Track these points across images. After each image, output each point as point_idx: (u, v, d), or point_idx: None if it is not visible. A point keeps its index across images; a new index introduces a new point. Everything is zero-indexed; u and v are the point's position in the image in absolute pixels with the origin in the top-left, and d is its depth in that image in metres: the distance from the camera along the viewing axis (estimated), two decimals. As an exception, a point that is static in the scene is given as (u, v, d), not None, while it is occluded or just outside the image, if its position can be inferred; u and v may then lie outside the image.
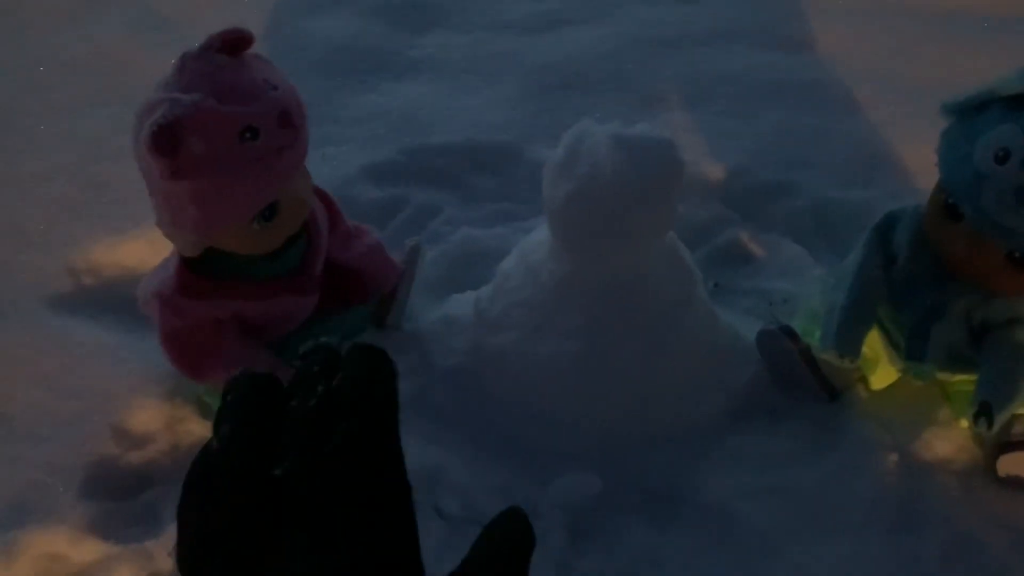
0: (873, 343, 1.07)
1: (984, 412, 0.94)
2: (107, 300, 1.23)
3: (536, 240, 1.10)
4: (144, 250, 1.27)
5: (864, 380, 1.11)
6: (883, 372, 1.09)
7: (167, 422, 1.07)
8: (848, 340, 1.03)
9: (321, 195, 1.08)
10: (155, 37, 1.82)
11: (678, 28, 1.85)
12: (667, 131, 0.99)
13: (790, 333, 1.09)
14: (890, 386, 1.09)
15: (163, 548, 0.93)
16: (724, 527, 0.96)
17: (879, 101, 1.61)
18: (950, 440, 1.04)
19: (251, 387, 0.38)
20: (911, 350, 1.02)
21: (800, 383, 1.09)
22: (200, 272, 0.98)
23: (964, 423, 1.05)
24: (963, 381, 1.04)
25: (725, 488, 0.99)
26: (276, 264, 1.00)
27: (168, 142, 0.82)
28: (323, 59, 1.77)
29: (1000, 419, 0.94)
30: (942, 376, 1.05)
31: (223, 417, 0.37)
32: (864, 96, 1.63)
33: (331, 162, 1.45)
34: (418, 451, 1.04)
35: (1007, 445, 1.00)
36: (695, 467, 1.02)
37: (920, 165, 1.44)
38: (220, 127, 0.84)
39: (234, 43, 0.89)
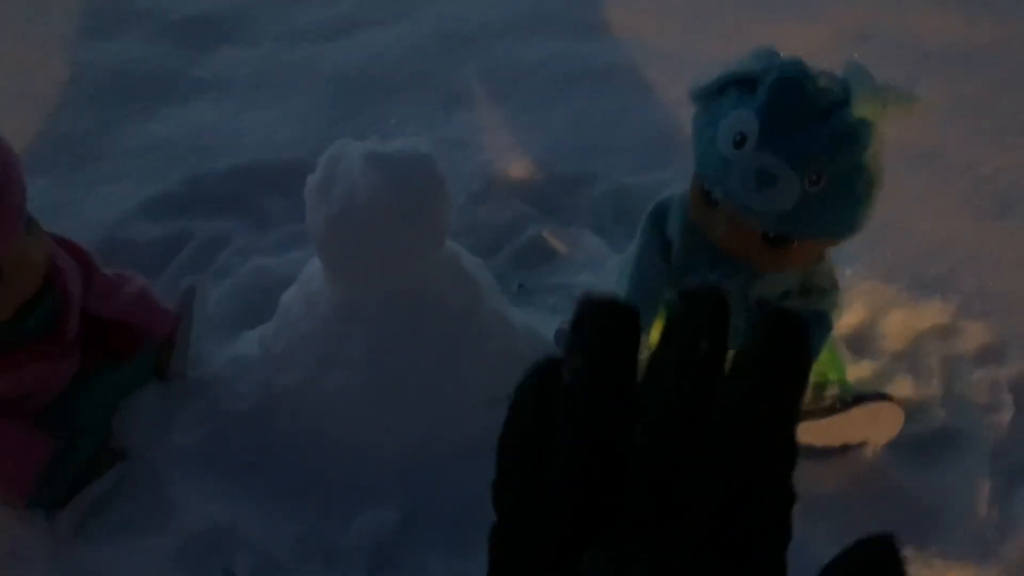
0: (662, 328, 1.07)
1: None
2: None
3: (314, 268, 1.05)
4: None
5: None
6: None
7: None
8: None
9: (69, 246, 0.99)
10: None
11: (475, 22, 1.82)
12: (425, 144, 0.95)
13: (584, 330, 1.08)
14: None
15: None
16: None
17: (672, 81, 1.62)
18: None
19: (613, 316, 0.30)
20: (697, 334, 1.03)
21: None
22: (-72, 352, 0.88)
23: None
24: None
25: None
26: (18, 331, 0.92)
27: None
28: (99, 89, 1.65)
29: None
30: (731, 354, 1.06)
31: (576, 346, 0.29)
32: (658, 77, 1.64)
33: (105, 201, 1.35)
34: (205, 508, 0.98)
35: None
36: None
37: (710, 141, 1.46)
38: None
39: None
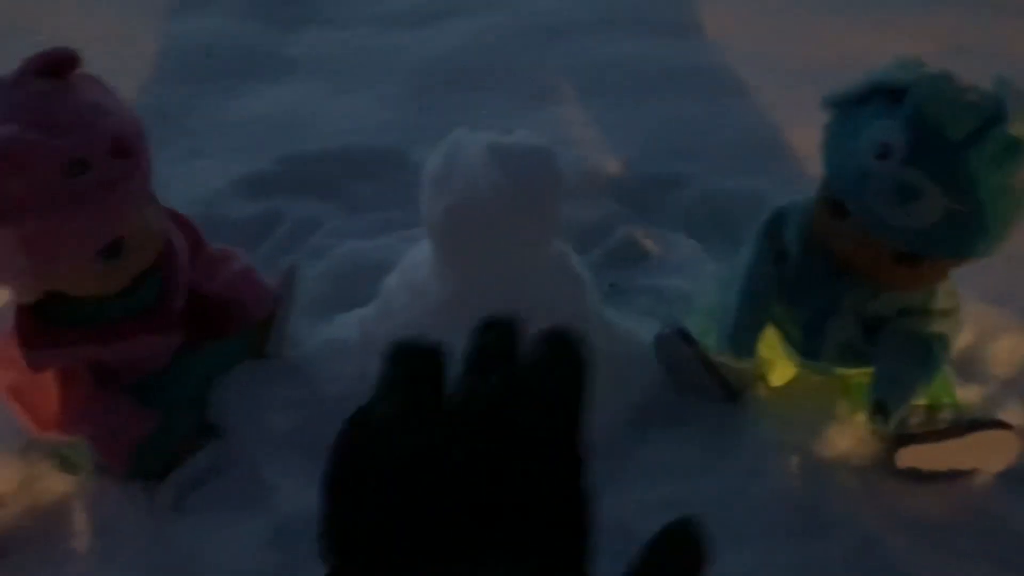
0: (770, 341, 1.05)
1: (880, 409, 0.92)
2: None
3: (419, 257, 1.04)
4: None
5: (763, 378, 1.08)
6: (781, 369, 1.07)
7: (23, 482, 0.97)
8: (743, 341, 1.01)
9: (179, 220, 0.99)
10: (2, 46, 1.67)
11: (564, 16, 1.81)
12: (545, 137, 0.94)
13: (686, 335, 1.06)
14: (789, 382, 1.08)
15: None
16: (625, 548, 0.92)
17: (766, 85, 1.60)
18: (851, 435, 1.03)
19: (419, 356, 0.34)
20: (807, 347, 1.01)
21: (699, 386, 1.06)
22: (43, 318, 0.88)
23: (863, 417, 1.04)
24: (860, 374, 1.02)
25: (625, 506, 0.95)
26: (129, 303, 0.91)
27: (-18, 184, 0.73)
28: (189, 64, 1.66)
29: (897, 414, 0.93)
30: (839, 370, 1.04)
31: (388, 388, 0.33)
32: (750, 81, 1.62)
33: (199, 176, 1.35)
34: (302, 492, 0.97)
35: (905, 438, 0.99)
36: (598, 483, 0.98)
37: (809, 150, 1.42)
38: (42, 163, 0.75)
39: (57, 65, 0.79)
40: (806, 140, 1.46)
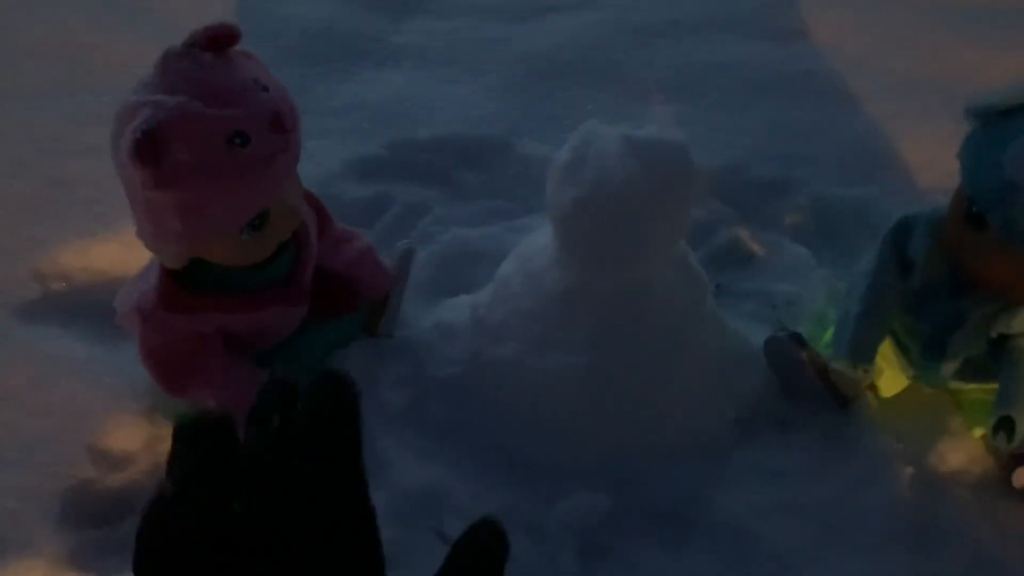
0: (884, 350, 1.04)
1: (1005, 426, 0.91)
2: (78, 308, 1.15)
3: (537, 245, 1.05)
4: (117, 252, 1.20)
5: (874, 387, 1.07)
6: (893, 379, 1.06)
7: (147, 441, 1.00)
8: (862, 349, 1.00)
9: (310, 199, 1.02)
10: (119, 22, 1.72)
11: (667, 16, 1.81)
12: (678, 133, 0.94)
13: (799, 340, 1.06)
14: (900, 393, 1.07)
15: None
16: (737, 548, 0.92)
17: (875, 94, 1.58)
18: (964, 450, 1.02)
19: (201, 429, 0.36)
20: (926, 359, 1.00)
21: (810, 391, 1.05)
22: (184, 284, 0.91)
23: (977, 433, 1.02)
24: (976, 389, 1.01)
25: (737, 506, 0.96)
26: (264, 274, 0.94)
27: (152, 150, 0.76)
28: (299, 47, 1.70)
29: (1021, 432, 0.92)
30: (954, 385, 1.03)
31: (175, 462, 0.35)
32: (860, 88, 1.60)
33: (313, 157, 1.38)
34: (415, 468, 0.99)
35: (1023, 457, 0.97)
36: (706, 484, 0.98)
37: (919, 161, 1.41)
38: (207, 133, 0.78)
39: (220, 39, 0.82)
40: (913, 150, 1.45)
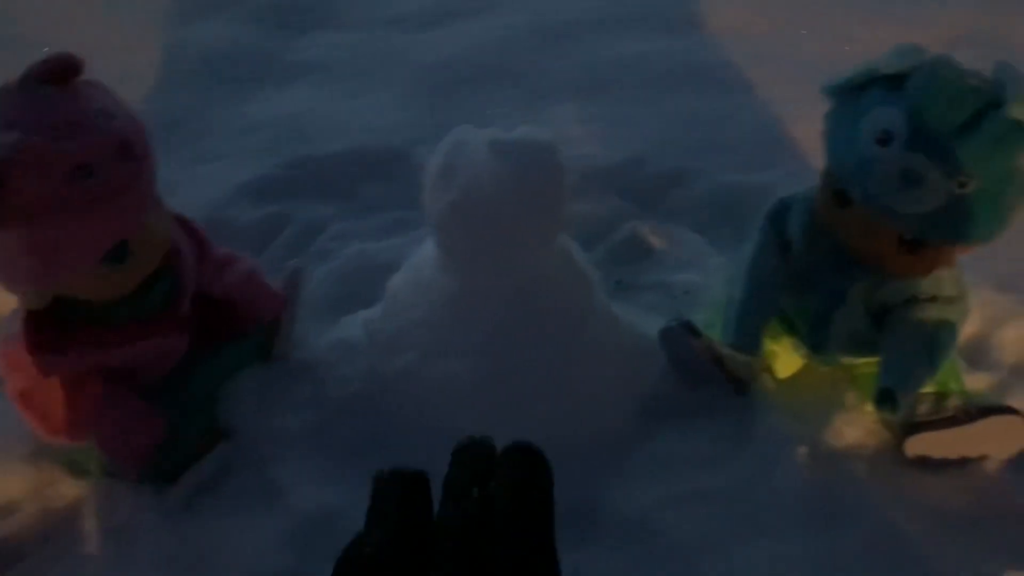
0: (776, 331, 1.05)
1: (887, 398, 0.92)
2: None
3: (425, 255, 1.05)
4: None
5: (770, 369, 1.08)
6: (788, 360, 1.07)
7: (34, 487, 0.98)
8: (749, 333, 1.01)
9: (185, 224, 1.00)
10: (16, 59, 1.68)
11: (570, 16, 1.81)
12: (548, 132, 0.94)
13: (692, 329, 1.06)
14: (797, 373, 1.07)
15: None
16: (644, 540, 0.92)
17: (776, 80, 1.59)
18: (860, 424, 1.02)
19: (401, 487, 0.36)
20: (814, 337, 1.01)
21: (707, 378, 1.06)
22: (52, 323, 0.89)
23: (871, 406, 1.03)
24: (868, 364, 1.02)
25: (642, 499, 0.95)
26: (138, 306, 0.92)
27: (-12, 189, 0.74)
28: (198, 69, 1.68)
29: (904, 402, 0.93)
30: (846, 360, 1.04)
31: (374, 521, 0.36)
32: (761, 76, 1.61)
33: (207, 180, 1.37)
34: (315, 492, 0.98)
35: (914, 426, 0.98)
36: (610, 479, 0.98)
37: (816, 144, 1.40)
38: (48, 168, 0.76)
39: (60, 71, 0.80)
40: (813, 134, 1.43)
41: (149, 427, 0.96)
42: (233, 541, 0.93)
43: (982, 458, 0.99)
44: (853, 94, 0.87)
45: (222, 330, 1.04)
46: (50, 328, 0.88)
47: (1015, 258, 1.20)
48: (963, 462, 0.99)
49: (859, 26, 1.73)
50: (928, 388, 0.98)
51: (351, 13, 1.87)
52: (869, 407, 1.03)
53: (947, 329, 0.95)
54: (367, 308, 1.16)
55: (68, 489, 0.98)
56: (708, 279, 1.21)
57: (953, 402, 0.99)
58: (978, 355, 1.11)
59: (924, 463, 0.98)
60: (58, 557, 0.93)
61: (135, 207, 0.83)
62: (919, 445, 0.98)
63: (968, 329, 1.11)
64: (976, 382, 1.07)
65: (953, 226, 0.83)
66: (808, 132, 1.45)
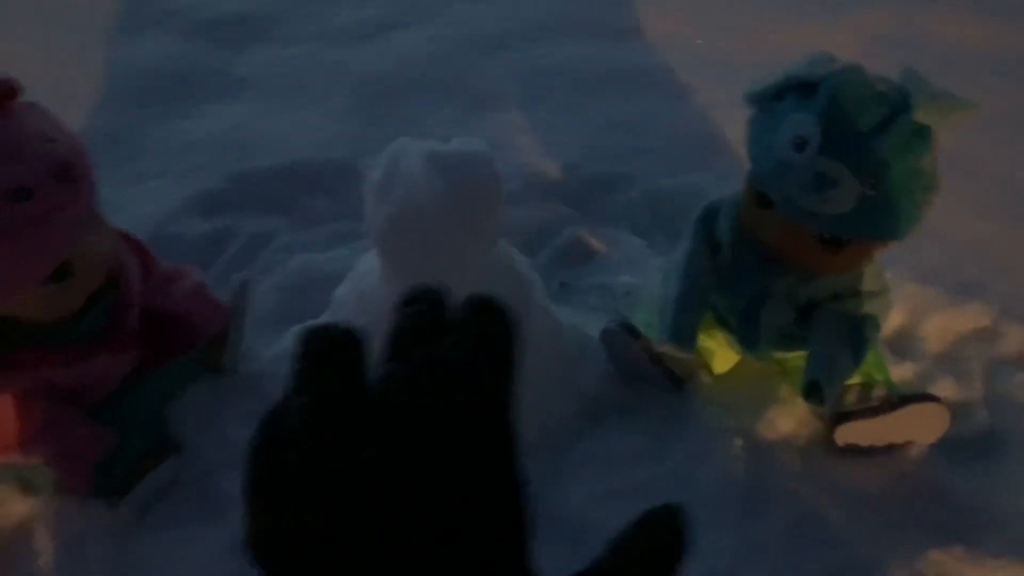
0: (711, 329, 1.09)
1: (813, 390, 0.96)
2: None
3: (368, 266, 1.07)
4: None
5: (707, 366, 1.12)
6: (724, 356, 1.11)
7: (-18, 507, 0.98)
8: (682, 331, 1.04)
9: (129, 241, 1.01)
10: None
11: (506, 25, 1.85)
12: (482, 143, 0.97)
13: (631, 329, 1.10)
14: (732, 368, 1.12)
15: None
16: (577, 537, 0.95)
17: (707, 82, 1.64)
18: (792, 416, 1.07)
19: (330, 348, 0.31)
20: (744, 334, 1.05)
21: (646, 377, 1.10)
22: (-4, 343, 0.89)
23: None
24: (798, 357, 1.06)
25: (578, 497, 0.99)
26: (82, 324, 0.93)
27: (-77, 215, 0.74)
28: (138, 86, 1.67)
29: (831, 394, 0.97)
30: (778, 355, 1.08)
31: (300, 384, 0.30)
32: (692, 79, 1.66)
33: (151, 196, 1.37)
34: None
35: (842, 416, 1.03)
36: (550, 479, 1.01)
37: (746, 145, 1.48)
38: (-14, 191, 0.77)
39: (-3, 95, 0.81)
40: (742, 136, 1.51)
41: (96, 443, 0.96)
42: (182, 552, 0.95)
43: (907, 444, 1.04)
44: (771, 101, 0.91)
45: (170, 345, 1.05)
46: (-6, 348, 0.89)
47: (938, 251, 1.26)
48: (890, 448, 1.04)
49: (786, 28, 1.79)
50: (855, 379, 1.03)
51: (287, 28, 1.88)
52: (802, 399, 1.07)
53: (870, 322, 1.00)
54: (313, 319, 1.17)
55: (18, 507, 0.98)
56: (647, 280, 1.25)
57: (879, 392, 1.04)
58: (902, 346, 1.16)
59: (853, 451, 1.03)
60: (10, 572, 0.93)
61: (75, 227, 0.84)
62: (847, 434, 1.03)
63: (892, 321, 1.17)
64: (901, 372, 1.12)
65: (867, 225, 0.87)
66: (736, 133, 1.50)
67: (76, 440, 0.95)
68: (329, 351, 0.31)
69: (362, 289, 1.06)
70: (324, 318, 1.10)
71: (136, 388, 1.03)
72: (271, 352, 1.14)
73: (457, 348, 0.31)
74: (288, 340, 1.15)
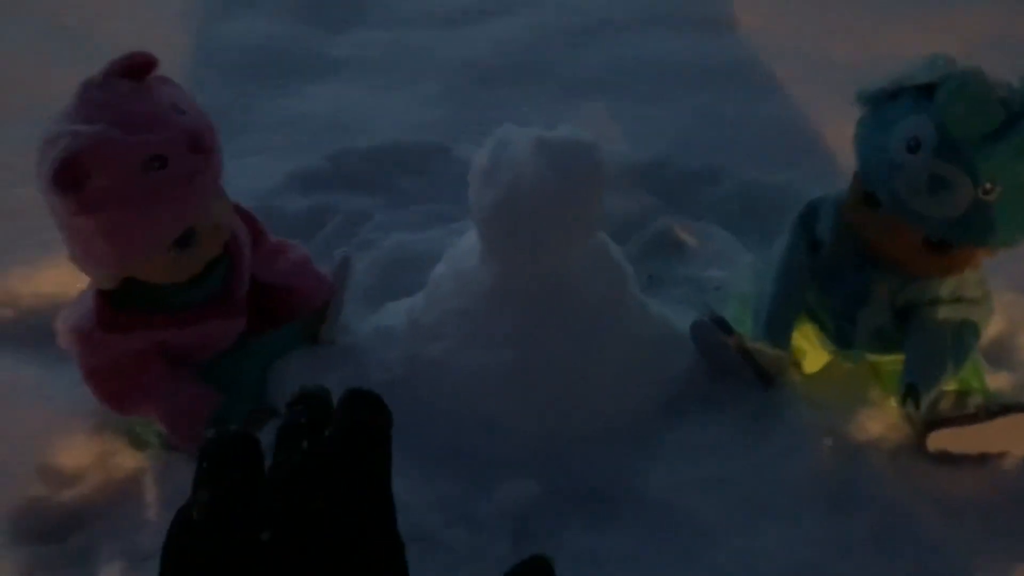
0: (804, 329, 1.09)
1: (911, 394, 0.96)
2: (26, 332, 1.18)
3: (466, 247, 1.09)
4: (63, 277, 1.22)
5: (797, 365, 1.12)
6: (815, 356, 1.11)
7: (97, 457, 1.03)
8: (778, 329, 1.04)
9: (242, 213, 1.05)
10: (61, 49, 1.75)
11: (598, 15, 1.85)
12: (588, 131, 0.98)
13: (722, 323, 1.10)
14: (823, 369, 1.11)
15: (98, 590, 0.91)
16: (663, 522, 0.97)
17: (801, 80, 1.63)
18: (882, 419, 1.06)
19: (227, 449, 0.36)
20: (839, 334, 1.05)
21: (735, 372, 1.10)
22: (119, 304, 0.94)
23: (895, 402, 1.07)
24: (892, 361, 1.06)
25: (663, 483, 1.00)
26: (198, 290, 0.97)
27: (71, 178, 0.79)
28: (238, 64, 1.73)
29: (927, 399, 0.97)
30: (871, 357, 1.08)
31: (201, 483, 0.35)
32: (786, 76, 1.65)
33: (253, 172, 1.42)
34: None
35: (935, 422, 1.02)
36: (633, 464, 1.03)
37: (840, 144, 1.46)
38: (124, 158, 0.81)
39: (137, 68, 0.85)
40: (838, 134, 1.49)
41: (204, 403, 1.01)
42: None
43: (1001, 455, 1.03)
44: (885, 101, 0.91)
45: (274, 314, 1.09)
46: (117, 309, 0.94)
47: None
48: (982, 458, 1.03)
49: (883, 28, 1.76)
50: (951, 386, 1.02)
51: (385, 11, 1.92)
52: (893, 403, 1.07)
53: (970, 329, 0.99)
54: (406, 296, 1.20)
55: (129, 461, 1.03)
56: (737, 275, 1.25)
57: (974, 400, 1.03)
58: (1000, 355, 1.15)
59: (944, 458, 1.02)
60: (118, 523, 0.98)
61: (202, 196, 0.88)
62: (940, 440, 1.02)
63: (991, 330, 1.15)
64: (998, 381, 1.11)
65: (977, 230, 0.87)
66: (830, 132, 1.50)
67: (187, 398, 1.00)
68: (227, 452, 0.36)
69: (459, 269, 1.09)
70: (422, 296, 1.13)
71: (241, 354, 1.07)
72: (366, 325, 1.18)
73: (335, 437, 0.36)
74: (383, 315, 1.19)
